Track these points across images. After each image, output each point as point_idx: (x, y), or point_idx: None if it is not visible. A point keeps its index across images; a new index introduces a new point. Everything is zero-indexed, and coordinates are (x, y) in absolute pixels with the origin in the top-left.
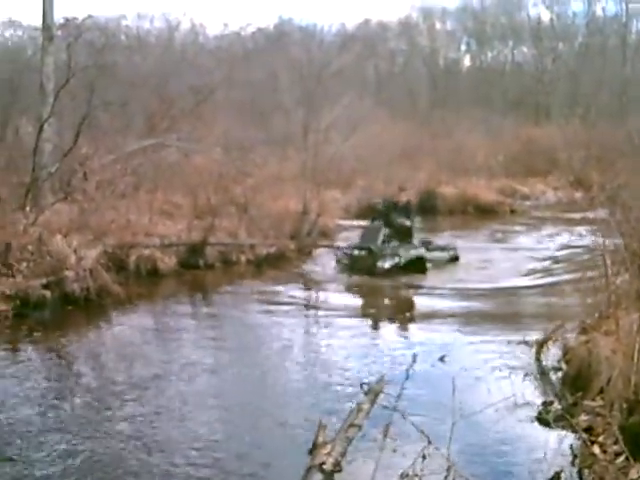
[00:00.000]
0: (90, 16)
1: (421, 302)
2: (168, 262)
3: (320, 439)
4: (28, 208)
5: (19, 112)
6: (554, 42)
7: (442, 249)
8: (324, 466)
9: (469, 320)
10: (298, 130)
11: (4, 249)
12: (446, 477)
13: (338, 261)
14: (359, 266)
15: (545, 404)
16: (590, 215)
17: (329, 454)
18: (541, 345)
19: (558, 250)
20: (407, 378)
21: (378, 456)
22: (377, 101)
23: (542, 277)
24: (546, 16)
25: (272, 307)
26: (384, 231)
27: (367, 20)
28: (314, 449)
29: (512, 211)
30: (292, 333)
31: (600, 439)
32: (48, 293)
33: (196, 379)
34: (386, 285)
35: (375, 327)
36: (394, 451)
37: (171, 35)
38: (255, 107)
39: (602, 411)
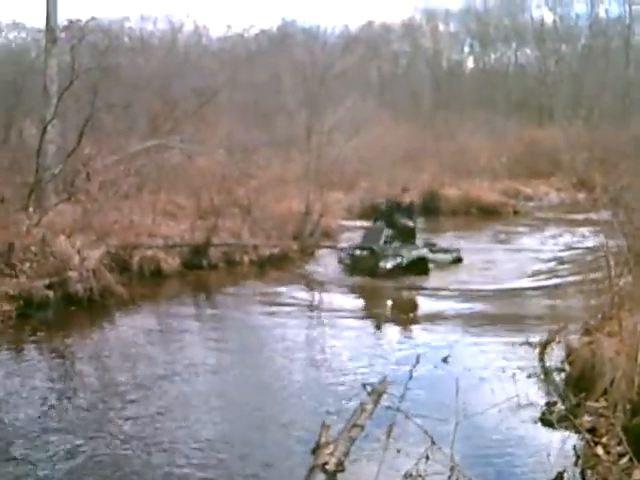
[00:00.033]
0: (93, 18)
1: (424, 303)
2: (171, 263)
3: (323, 439)
4: (31, 209)
5: (23, 114)
6: (557, 44)
7: (445, 251)
8: (327, 466)
9: (472, 321)
10: (301, 132)
11: (7, 249)
12: (449, 477)
13: (340, 261)
14: (361, 266)
15: (548, 405)
16: (593, 216)
17: (332, 454)
18: (544, 346)
19: (561, 251)
20: (410, 379)
21: (381, 456)
22: (380, 103)
23: (545, 278)
24: (549, 18)
25: (275, 308)
26: (386, 232)
27: (370, 22)
28: (317, 449)
29: (515, 212)
30: (295, 334)
31: (603, 440)
32: (51, 293)
33: (200, 380)
34: (388, 286)
35: (378, 328)
36: (397, 451)
37: (174, 37)
38: (258, 109)
39: (605, 412)
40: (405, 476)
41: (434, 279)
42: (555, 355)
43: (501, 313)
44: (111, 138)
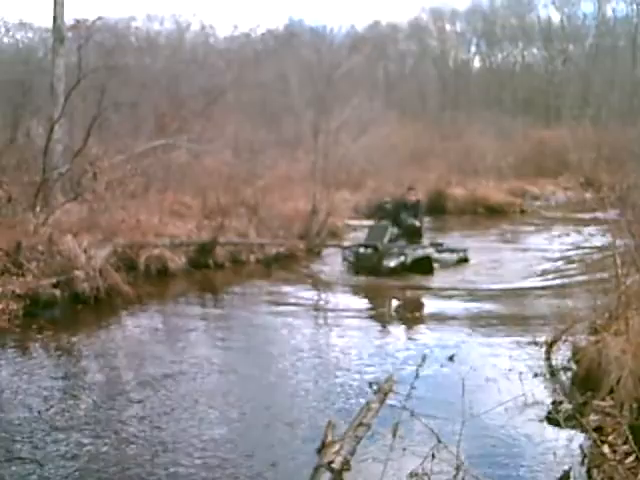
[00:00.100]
0: (100, 18)
1: (428, 302)
2: (178, 262)
3: (329, 438)
4: (38, 208)
5: (30, 113)
6: (564, 43)
7: (452, 250)
8: (333, 465)
9: (478, 320)
10: (308, 131)
11: (15, 248)
12: (455, 476)
13: (345, 259)
14: (364, 264)
15: (555, 404)
16: (600, 215)
17: (338, 453)
18: (551, 345)
19: (568, 250)
20: (416, 377)
21: (387, 455)
22: (387, 102)
23: (552, 278)
24: (556, 17)
25: (281, 307)
26: (391, 230)
27: (377, 21)
28: (323, 448)
29: (522, 211)
30: (301, 333)
31: (610, 439)
32: (58, 292)
33: (206, 378)
34: (392, 285)
35: (383, 327)
36: (403, 450)
37: (181, 36)
38: (265, 108)
39: (612, 411)
40: (411, 475)
41: (439, 278)
42: (562, 354)
43: (507, 312)
44: (118, 137)
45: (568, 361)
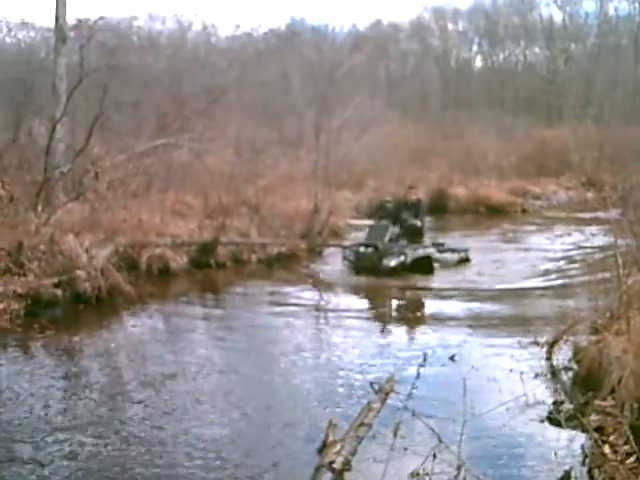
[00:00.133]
0: (102, 17)
1: (429, 302)
2: (179, 261)
3: (330, 438)
4: (40, 207)
5: (32, 113)
6: (566, 42)
7: (453, 250)
8: (334, 465)
9: (479, 320)
10: (310, 131)
11: (16, 248)
12: (456, 476)
13: (345, 259)
14: (365, 264)
15: (556, 404)
16: (602, 215)
17: (339, 453)
18: (552, 345)
19: (570, 250)
20: (418, 377)
21: (388, 455)
22: (389, 102)
23: (554, 278)
24: (558, 16)
25: (283, 307)
26: (392, 230)
27: (379, 21)
28: (324, 448)
29: (524, 211)
30: (302, 333)
31: (611, 439)
32: (59, 292)
33: (207, 378)
34: (393, 285)
35: (384, 327)
36: (404, 450)
37: (183, 36)
38: (267, 108)
39: (613, 411)
40: (412, 475)
41: (440, 278)
42: (563, 354)
43: (508, 312)
44: (120, 137)
45: (569, 361)
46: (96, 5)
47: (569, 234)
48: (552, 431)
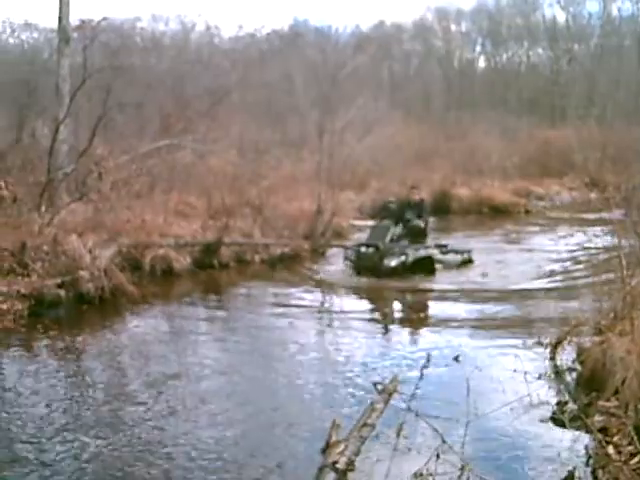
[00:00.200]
0: (105, 18)
1: (433, 303)
2: (183, 262)
3: (333, 438)
4: (44, 208)
5: (35, 114)
6: (569, 43)
7: (456, 252)
8: (337, 465)
9: (482, 321)
10: (313, 131)
11: (20, 249)
12: (460, 476)
13: (346, 259)
14: (366, 263)
15: (560, 404)
16: (605, 216)
17: (342, 453)
18: (556, 346)
19: (573, 251)
20: (421, 378)
21: (391, 455)
22: (392, 102)
23: (557, 278)
24: (561, 17)
25: (286, 308)
26: (394, 230)
27: (382, 21)
28: (327, 448)
29: (527, 212)
30: (305, 333)
31: (615, 439)
32: (63, 292)
33: (211, 379)
34: (397, 286)
35: (387, 328)
36: (408, 450)
37: (186, 37)
38: (270, 108)
39: (617, 411)
40: (415, 475)
41: (442, 278)
42: (567, 355)
43: (512, 313)
44: (123, 138)
45: (573, 362)
46: (99, 6)
47: (572, 235)
48: (556, 431)
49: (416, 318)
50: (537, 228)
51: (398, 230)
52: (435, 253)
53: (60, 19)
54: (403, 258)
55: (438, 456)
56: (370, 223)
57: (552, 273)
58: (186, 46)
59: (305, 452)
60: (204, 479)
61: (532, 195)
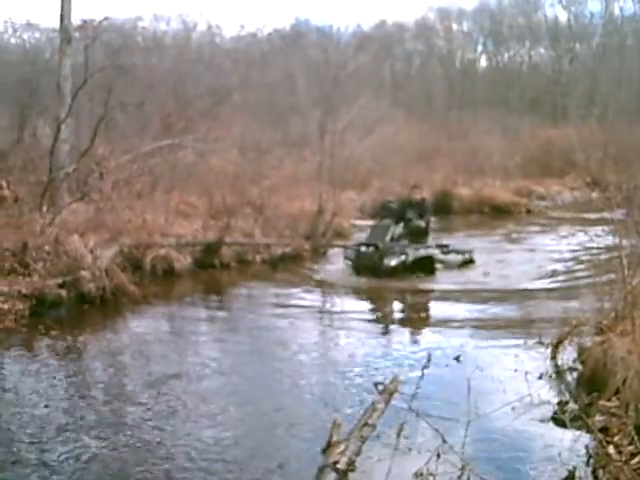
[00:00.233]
0: (107, 18)
1: (434, 303)
2: (184, 262)
3: (334, 438)
4: (45, 208)
5: (37, 113)
6: (571, 42)
7: (457, 252)
8: (338, 465)
9: (483, 321)
10: (314, 131)
11: (21, 248)
12: (460, 476)
13: (346, 258)
14: (365, 263)
15: (561, 404)
16: (607, 216)
17: (343, 453)
18: (556, 346)
19: (574, 251)
20: (422, 378)
21: (392, 455)
22: (393, 102)
23: (558, 278)
24: (563, 16)
25: (287, 308)
26: (393, 229)
27: (383, 21)
28: (328, 448)
29: (528, 211)
30: (306, 334)
31: (616, 439)
32: (64, 292)
33: (212, 379)
34: (398, 286)
35: (388, 328)
36: (408, 450)
37: (188, 36)
38: (272, 108)
39: (618, 411)
40: (416, 475)
41: (443, 278)
42: (567, 355)
43: (513, 313)
44: (124, 137)
45: (574, 361)
46: (101, 6)
47: (574, 234)
48: (556, 431)
49: (417, 318)
50: (538, 228)
51: (398, 229)
52: (436, 253)
53: (62, 19)
54: (403, 258)
55: (439, 456)
56: (372, 223)
57: (553, 273)
58: (188, 46)
59: (306, 452)
60: (204, 478)
61: (533, 195)
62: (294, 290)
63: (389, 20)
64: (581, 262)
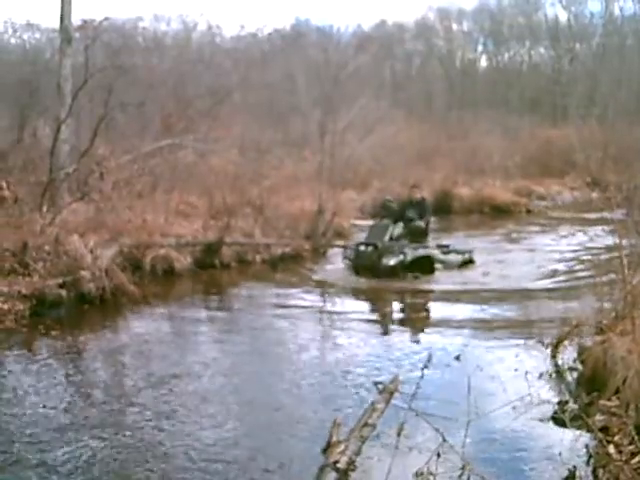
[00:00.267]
0: (107, 18)
1: (434, 303)
2: (184, 262)
3: (334, 438)
4: (45, 208)
5: (37, 113)
6: (571, 42)
7: (457, 252)
8: (338, 465)
9: (483, 321)
10: (315, 131)
11: (21, 249)
12: (460, 475)
13: (345, 258)
14: (364, 262)
15: (561, 403)
16: (607, 215)
17: (343, 452)
18: (557, 345)
19: (574, 251)
20: (422, 377)
21: (392, 454)
22: (393, 102)
23: (558, 278)
24: (563, 16)
25: (287, 307)
26: (392, 229)
27: (383, 21)
28: (328, 447)
29: (528, 211)
30: (307, 333)
31: (616, 439)
32: (64, 292)
33: (212, 379)
34: (397, 286)
35: (388, 328)
36: (409, 449)
37: (188, 36)
38: (272, 108)
39: (618, 411)
40: (416, 474)
41: (443, 278)
42: (568, 354)
43: (513, 313)
44: (125, 137)
45: (574, 361)
46: (101, 6)
47: (574, 234)
48: (556, 431)
49: (417, 318)
50: (538, 228)
51: (398, 229)
52: (436, 253)
53: (62, 19)
54: (401, 257)
55: (439, 455)
56: (372, 223)
57: (553, 273)
58: (188, 46)
59: (306, 452)
60: (205, 478)
61: (533, 195)
62: (294, 290)
63: (389, 20)
64: (581, 262)
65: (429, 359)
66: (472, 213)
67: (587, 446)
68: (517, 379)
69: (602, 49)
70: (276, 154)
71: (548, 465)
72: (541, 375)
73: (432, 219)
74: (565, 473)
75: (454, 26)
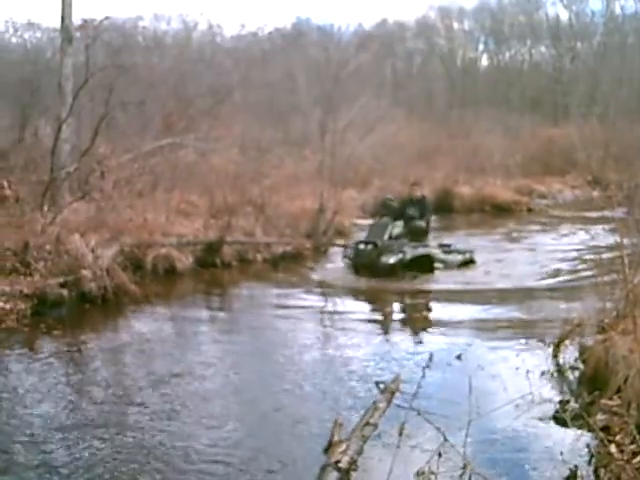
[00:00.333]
0: (108, 17)
1: (435, 303)
2: (185, 261)
3: (336, 437)
4: (46, 207)
5: (38, 113)
6: (572, 41)
7: (458, 251)
8: (340, 464)
9: (484, 320)
10: (315, 130)
11: (22, 248)
12: (462, 475)
13: (345, 256)
14: (363, 260)
15: (562, 403)
16: (608, 214)
17: (345, 452)
18: (558, 345)
19: (575, 250)
20: (423, 377)
21: (394, 454)
22: (394, 101)
23: (560, 277)
24: (564, 15)
25: (288, 307)
26: (391, 227)
27: (384, 20)
28: (330, 447)
29: (529, 210)
30: (308, 333)
31: (617, 438)
32: (65, 292)
33: (213, 378)
34: (398, 286)
35: (390, 327)
36: (410, 449)
37: (188, 36)
38: (272, 107)
39: (619, 410)
40: (418, 474)
41: (443, 278)
42: (569, 353)
43: (514, 312)
44: (125, 137)
45: (575, 360)
46: (101, 5)
47: (575, 233)
48: (558, 430)
49: (418, 317)
50: (539, 227)
51: (398, 228)
52: (436, 252)
53: (63, 19)
54: (401, 256)
55: (440, 455)
56: (372, 221)
57: (554, 272)
58: (188, 45)
59: (308, 451)
60: (206, 477)
61: (534, 193)
62: (295, 289)
63: (390, 19)
64: (582, 261)
65: (430, 358)
66: (473, 212)
67: (588, 445)
68: (518, 378)
69: (603, 48)
70: (277, 153)
71: (549, 464)
72: (542, 374)
73: (433, 218)
74: (566, 473)
75: (455, 25)
